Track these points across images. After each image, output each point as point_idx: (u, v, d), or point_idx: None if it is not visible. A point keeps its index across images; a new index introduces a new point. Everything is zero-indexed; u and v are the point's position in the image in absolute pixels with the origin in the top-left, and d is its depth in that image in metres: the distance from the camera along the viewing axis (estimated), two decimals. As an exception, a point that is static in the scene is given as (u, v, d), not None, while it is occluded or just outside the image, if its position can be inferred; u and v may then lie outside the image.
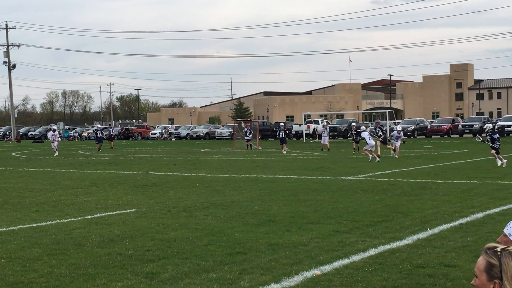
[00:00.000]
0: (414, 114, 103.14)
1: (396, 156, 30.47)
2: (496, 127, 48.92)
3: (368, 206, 13.34)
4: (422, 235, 9.98)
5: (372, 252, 8.81)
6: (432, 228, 10.56)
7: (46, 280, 7.55)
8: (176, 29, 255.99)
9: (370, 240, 9.61)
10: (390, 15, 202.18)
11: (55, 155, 37.19)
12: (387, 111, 64.24)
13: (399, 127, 34.32)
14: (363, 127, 32.67)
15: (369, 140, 28.49)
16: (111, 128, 56.05)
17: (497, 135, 24.00)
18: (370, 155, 28.29)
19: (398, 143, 32.04)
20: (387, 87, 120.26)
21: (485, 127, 27.66)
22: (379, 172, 21.83)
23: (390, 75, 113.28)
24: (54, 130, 38.67)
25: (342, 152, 35.60)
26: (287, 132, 39.30)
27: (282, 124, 42.79)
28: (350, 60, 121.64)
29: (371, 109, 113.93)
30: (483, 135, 44.76)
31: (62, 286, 7.32)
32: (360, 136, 35.95)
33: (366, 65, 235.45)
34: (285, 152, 36.89)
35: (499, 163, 22.90)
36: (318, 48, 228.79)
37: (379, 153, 29.11)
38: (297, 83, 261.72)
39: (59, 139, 37.91)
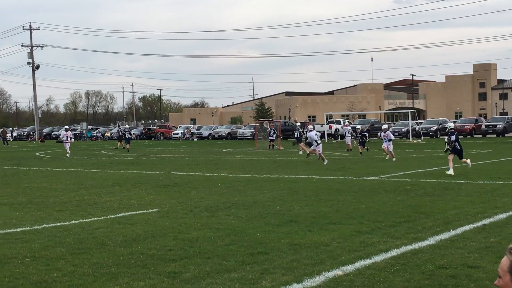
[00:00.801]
0: (437, 114, 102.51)
1: (393, 159, 28.30)
2: None
3: (390, 207, 13.29)
4: (445, 235, 9.92)
5: (394, 252, 8.77)
6: (455, 228, 10.49)
7: (69, 279, 7.61)
8: (197, 29, 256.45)
9: (392, 241, 9.57)
10: (412, 14, 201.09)
11: (67, 155, 36.82)
12: (409, 111, 63.88)
13: (385, 126, 31.95)
14: (310, 126, 31.49)
15: (318, 140, 28.48)
16: (120, 128, 56.45)
17: None
18: (301, 150, 28.54)
19: (391, 145, 29.37)
20: (409, 87, 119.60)
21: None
22: (401, 173, 21.73)
23: (413, 75, 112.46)
24: (66, 130, 38.77)
25: (364, 152, 35.42)
26: (303, 132, 39.16)
27: (298, 124, 42.75)
28: (371, 60, 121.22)
29: (393, 109, 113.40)
30: None
31: (85, 285, 7.37)
32: (366, 138, 35.76)
33: (388, 65, 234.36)
34: (301, 152, 36.85)
35: None
36: (339, 48, 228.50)
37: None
38: (319, 83, 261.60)
39: (72, 139, 37.85)
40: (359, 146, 35.12)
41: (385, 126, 31.44)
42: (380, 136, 32.16)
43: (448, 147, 20.93)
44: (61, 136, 38.49)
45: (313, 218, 11.93)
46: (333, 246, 9.28)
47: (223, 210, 13.23)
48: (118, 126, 61.82)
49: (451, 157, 20.70)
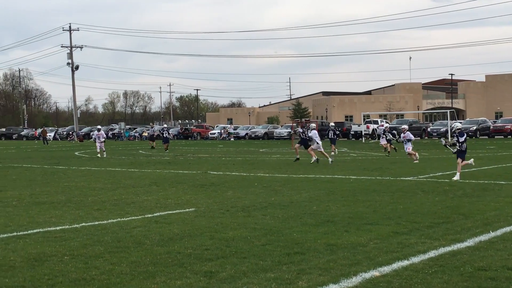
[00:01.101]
0: (476, 114, 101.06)
1: (415, 161, 27.52)
2: None
3: (428, 207, 13.15)
4: (484, 237, 9.78)
5: (432, 254, 8.68)
6: (495, 230, 10.34)
7: (107, 277, 7.69)
8: (234, 30, 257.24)
9: (430, 242, 9.47)
10: (452, 13, 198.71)
11: (98, 155, 36.79)
12: (448, 111, 63.17)
13: (404, 126, 31.28)
14: (312, 125, 31.32)
15: (318, 140, 28.45)
16: (152, 128, 56.95)
17: None
18: (314, 157, 28.22)
19: (410, 146, 28.73)
20: (448, 86, 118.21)
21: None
22: (440, 173, 21.48)
23: (452, 74, 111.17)
24: (99, 130, 38.97)
25: (402, 152, 35.10)
26: (338, 132, 38.94)
27: (332, 124, 42.55)
28: (410, 59, 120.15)
29: (431, 109, 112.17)
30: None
31: (122, 283, 7.44)
32: (392, 136, 35.09)
33: (426, 64, 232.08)
34: (333, 153, 36.72)
35: None
36: (376, 48, 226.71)
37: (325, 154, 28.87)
38: (356, 82, 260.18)
39: (104, 139, 38.00)
40: (387, 144, 34.69)
41: (404, 126, 31.17)
42: (400, 138, 31.57)
43: (458, 148, 19.54)
44: (93, 137, 38.71)
45: (350, 218, 11.87)
46: (370, 246, 9.22)
47: (259, 210, 13.23)
48: (151, 126, 62.28)
49: (460, 160, 19.39)
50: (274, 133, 75.06)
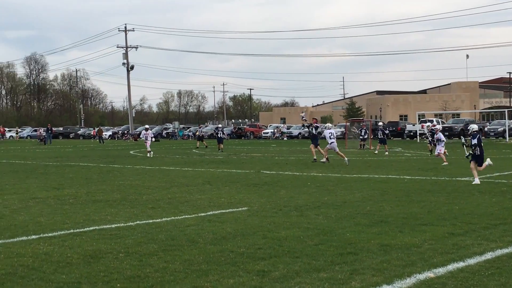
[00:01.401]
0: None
1: (444, 163, 26.36)
2: None
3: (485, 208, 12.91)
4: (543, 239, 9.55)
5: (489, 255, 8.51)
6: (554, 232, 10.08)
7: (161, 274, 7.77)
8: (287, 29, 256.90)
9: (487, 243, 9.29)
10: (510, 10, 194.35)
11: (148, 155, 36.68)
12: (506, 110, 61.86)
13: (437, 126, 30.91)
14: (328, 124, 31.38)
15: (330, 139, 28.30)
16: (200, 128, 57.41)
17: None
18: (325, 158, 28.21)
19: (442, 148, 27.59)
20: (506, 85, 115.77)
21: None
22: (497, 174, 21.06)
23: (510, 72, 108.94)
24: (146, 130, 39.20)
25: (458, 152, 34.55)
26: (387, 132, 38.63)
27: (380, 124, 42.10)
28: (467, 57, 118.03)
29: (489, 108, 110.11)
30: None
31: (176, 281, 7.50)
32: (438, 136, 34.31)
33: (483, 62, 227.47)
34: (376, 152, 36.43)
35: None
36: (432, 46, 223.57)
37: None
38: (411, 81, 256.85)
39: (153, 139, 38.20)
40: (428, 144, 33.92)
41: (437, 126, 30.73)
42: (432, 139, 31.02)
43: (470, 152, 18.41)
44: (141, 136, 38.98)
45: (404, 219, 11.73)
46: (425, 247, 9.09)
47: (312, 210, 13.19)
48: (200, 126, 62.77)
49: (473, 165, 18.33)
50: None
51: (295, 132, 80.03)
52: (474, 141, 18.35)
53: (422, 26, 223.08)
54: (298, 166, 26.99)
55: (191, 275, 7.73)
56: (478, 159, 18.38)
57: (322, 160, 28.31)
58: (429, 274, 7.57)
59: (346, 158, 27.34)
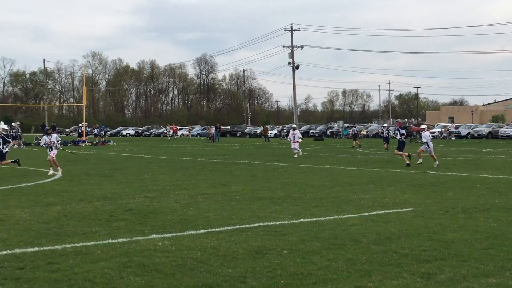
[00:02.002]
0: None
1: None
2: None
3: None
4: None
5: None
6: None
7: (324, 273, 7.79)
8: (457, 25, 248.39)
9: None
10: None
11: (294, 156, 35.10)
12: None
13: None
14: (423, 126, 29.48)
15: (426, 141, 26.66)
16: (355, 127, 56.58)
17: None
18: (420, 159, 26.95)
19: None
20: None
21: None
22: None
23: None
24: (294, 129, 38.06)
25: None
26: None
27: None
28: None
29: None
30: None
31: (338, 279, 7.50)
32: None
33: None
34: None
35: None
36: None
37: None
38: None
39: (300, 139, 37.41)
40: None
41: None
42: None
43: None
44: (289, 137, 38.42)
45: None
46: None
47: (481, 212, 12.68)
48: (354, 126, 62.14)
49: None
50: (499, 132, 71.54)
51: (464, 131, 77.33)
52: None
53: None
54: (467, 167, 26.05)
55: (354, 275, 7.70)
56: None
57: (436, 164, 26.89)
58: None
59: (437, 162, 26.14)
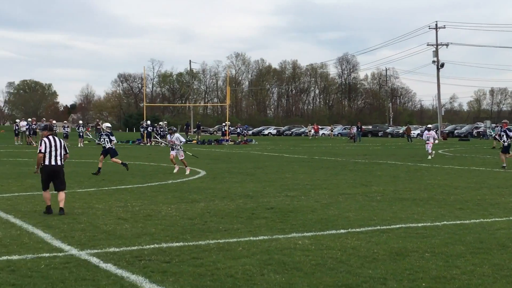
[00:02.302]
0: None
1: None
2: None
3: None
4: None
5: None
6: None
7: (468, 277, 7.55)
8: None
9: None
10: None
11: (428, 157, 33.87)
12: None
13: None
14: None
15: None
16: (497, 127, 53.83)
17: None
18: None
19: None
20: None
21: None
22: None
23: None
24: (429, 130, 36.32)
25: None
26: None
27: None
28: None
29: None
30: None
31: (484, 285, 7.23)
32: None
33: None
34: None
35: None
36: None
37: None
38: None
39: (436, 141, 35.64)
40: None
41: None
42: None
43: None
44: (424, 137, 36.92)
45: None
46: None
47: None
48: (496, 125, 59.10)
49: None
50: None
51: None
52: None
53: None
54: None
55: (500, 281, 7.40)
56: None
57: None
58: None
59: None
